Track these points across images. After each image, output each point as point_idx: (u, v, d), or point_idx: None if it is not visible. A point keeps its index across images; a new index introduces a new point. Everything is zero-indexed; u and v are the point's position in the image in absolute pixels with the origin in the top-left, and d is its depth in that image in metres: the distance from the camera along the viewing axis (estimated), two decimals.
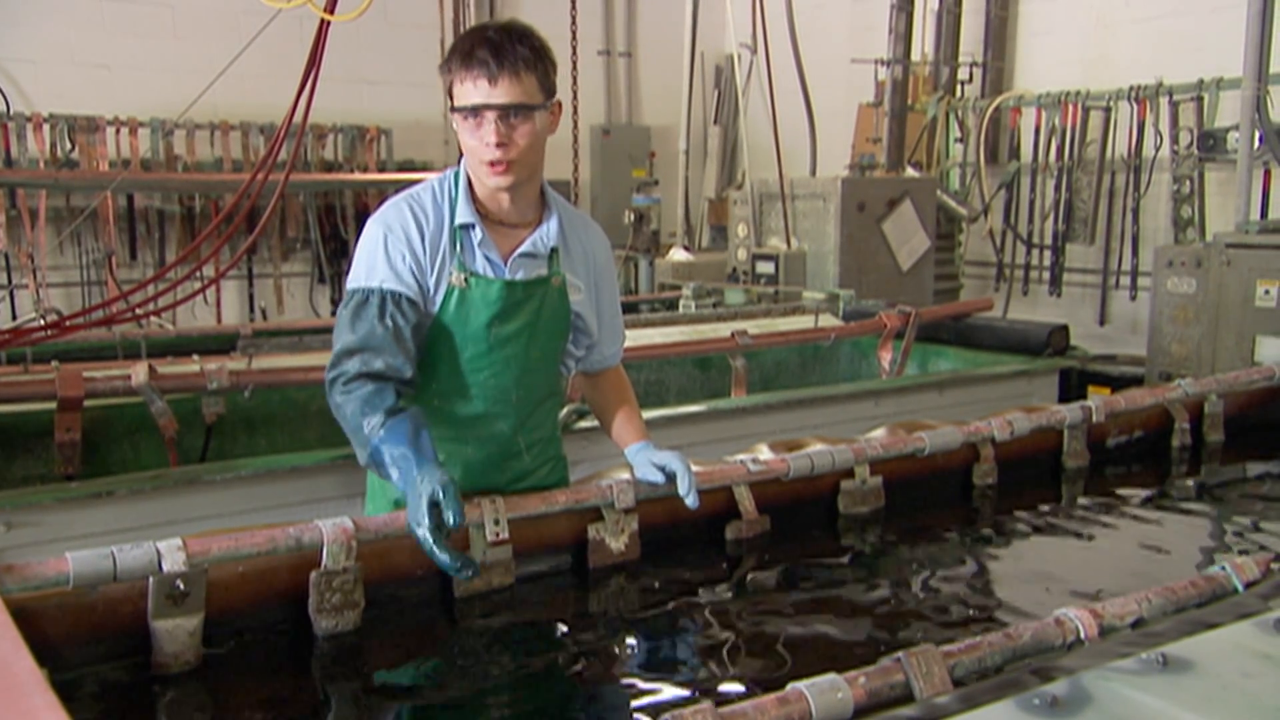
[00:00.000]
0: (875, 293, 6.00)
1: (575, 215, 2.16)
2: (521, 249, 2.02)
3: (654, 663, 1.67)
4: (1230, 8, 5.91)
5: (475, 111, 1.89)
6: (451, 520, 1.66)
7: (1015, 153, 7.55)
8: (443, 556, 1.65)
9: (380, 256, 1.95)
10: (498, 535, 1.79)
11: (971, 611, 1.92)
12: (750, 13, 7.34)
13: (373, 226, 2.00)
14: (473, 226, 1.99)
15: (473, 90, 1.88)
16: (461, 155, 2.02)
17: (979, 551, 2.22)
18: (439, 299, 1.97)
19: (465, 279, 1.97)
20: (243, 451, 3.47)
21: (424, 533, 1.65)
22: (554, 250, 2.06)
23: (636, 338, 4.48)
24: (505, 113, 1.88)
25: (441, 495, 1.67)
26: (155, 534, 1.53)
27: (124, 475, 2.88)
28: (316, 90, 3.46)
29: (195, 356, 3.52)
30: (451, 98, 1.93)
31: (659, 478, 1.97)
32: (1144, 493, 2.56)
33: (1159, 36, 6.78)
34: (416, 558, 1.71)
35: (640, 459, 2.03)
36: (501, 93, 1.87)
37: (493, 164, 1.91)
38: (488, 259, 2.00)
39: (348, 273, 2.06)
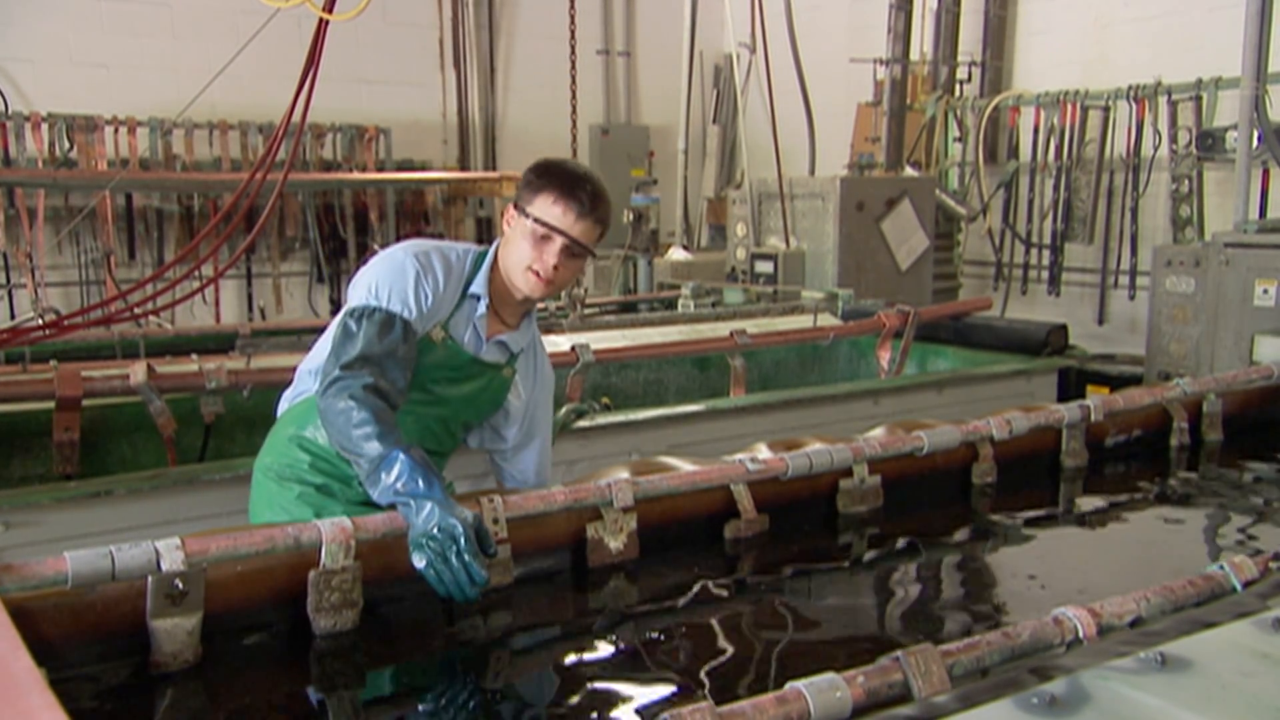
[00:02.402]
0: (874, 292, 6.00)
1: (541, 342, 2.46)
2: (501, 337, 2.29)
3: (653, 662, 1.67)
4: (1228, 7, 5.91)
5: (549, 233, 2.14)
6: (490, 550, 1.73)
7: (1014, 152, 7.55)
8: (482, 573, 1.67)
9: (410, 288, 2.12)
10: (496, 534, 1.79)
11: (970, 610, 1.92)
12: (749, 12, 7.34)
13: (407, 258, 2.16)
14: (480, 299, 2.22)
15: (560, 216, 2.15)
16: (490, 239, 2.24)
17: (977, 550, 2.22)
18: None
19: (444, 338, 2.20)
20: (241, 451, 3.46)
21: (463, 546, 1.66)
22: (519, 353, 2.34)
23: (635, 337, 4.49)
24: (572, 247, 2.17)
25: (481, 524, 1.73)
26: (154, 533, 1.53)
27: (122, 475, 2.88)
28: (315, 89, 3.46)
29: (194, 356, 3.52)
30: (527, 203, 2.17)
31: None
32: (1142, 492, 2.56)
33: (1158, 36, 6.78)
34: None
35: None
36: (580, 230, 2.16)
37: (538, 276, 2.17)
38: (476, 331, 2.23)
39: (352, 275, 2.24)
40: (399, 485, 1.75)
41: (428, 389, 2.22)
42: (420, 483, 1.74)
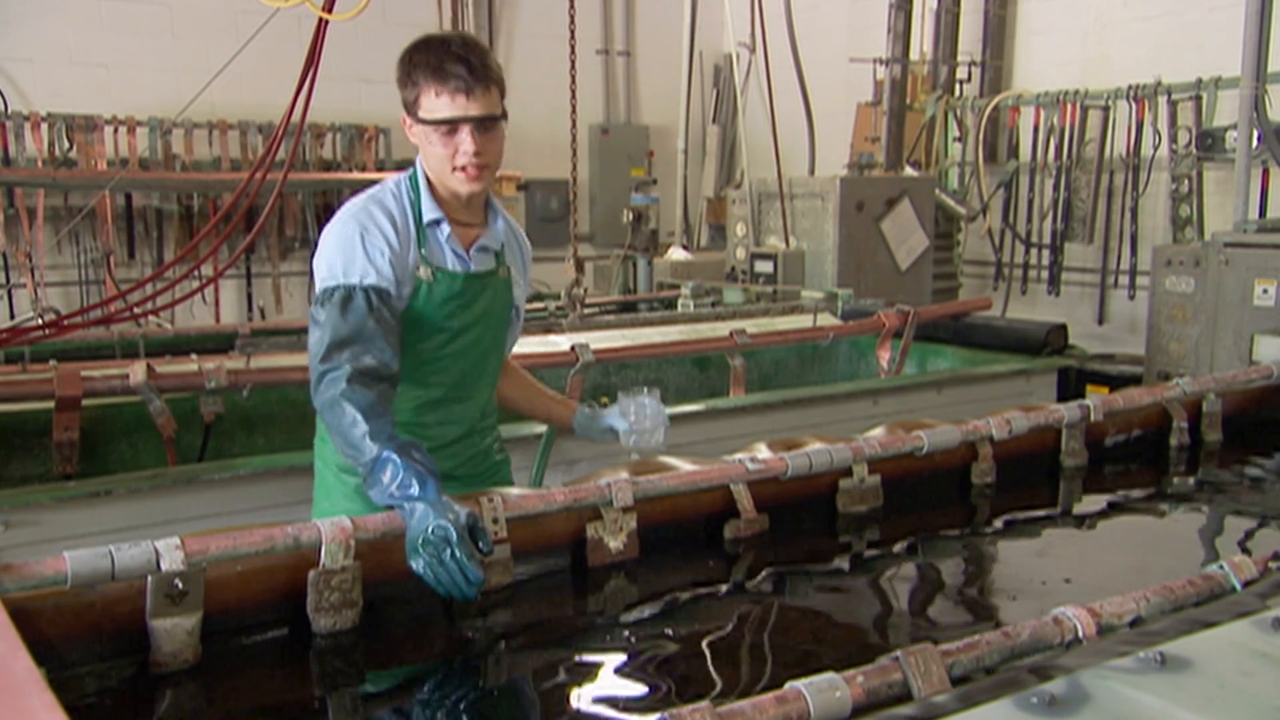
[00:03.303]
0: (873, 292, 6.00)
1: (510, 218, 2.33)
2: (480, 242, 2.19)
3: (652, 661, 1.67)
4: (1229, 6, 5.91)
5: (453, 124, 2.01)
6: (485, 548, 1.70)
7: (1014, 152, 7.55)
8: (477, 572, 1.65)
9: (359, 253, 2.04)
10: (496, 534, 1.79)
11: (969, 610, 1.92)
12: (749, 12, 7.35)
13: (345, 225, 2.08)
14: (440, 222, 2.13)
15: (449, 104, 2.00)
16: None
17: (977, 550, 2.22)
18: (406, 293, 2.09)
19: (432, 273, 2.11)
20: (241, 450, 3.47)
21: (456, 547, 1.64)
22: (502, 249, 2.25)
23: (635, 337, 4.49)
24: (481, 124, 2.02)
25: (477, 523, 1.70)
26: (153, 533, 1.53)
27: (122, 474, 2.88)
28: (315, 89, 3.46)
29: (193, 356, 3.52)
30: (415, 109, 2.05)
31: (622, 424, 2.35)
32: (1142, 491, 2.56)
33: (1157, 35, 6.78)
34: None
35: (588, 423, 2.41)
36: (477, 105, 2.01)
37: (467, 170, 2.05)
38: (455, 253, 2.15)
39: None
40: (393, 489, 1.74)
41: (447, 327, 2.15)
42: (414, 484, 1.72)
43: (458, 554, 1.64)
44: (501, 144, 2.09)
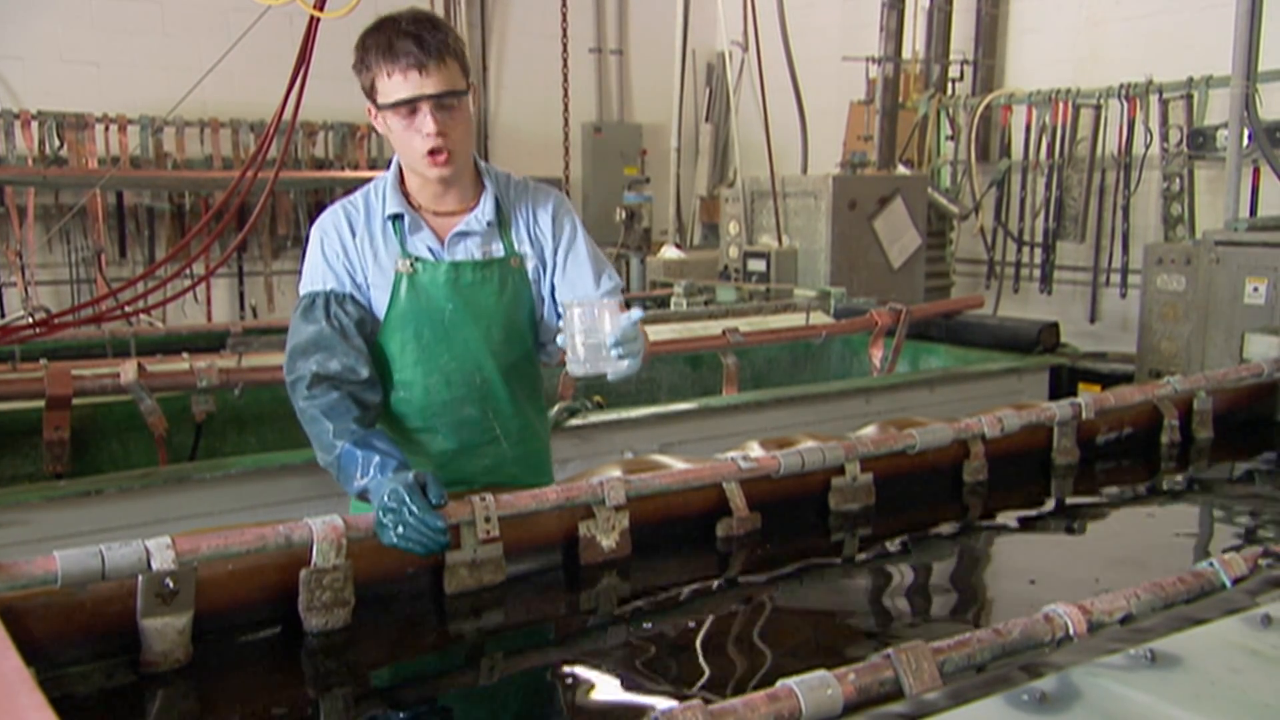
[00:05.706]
0: (866, 290, 6.01)
1: (518, 185, 2.15)
2: (456, 229, 2.05)
3: (645, 660, 1.67)
4: (1220, 6, 5.93)
5: (410, 105, 1.90)
6: (437, 500, 1.67)
7: (1006, 150, 7.57)
8: (436, 521, 1.65)
9: (319, 260, 2.03)
10: (488, 533, 1.78)
11: (961, 607, 1.93)
12: (741, 10, 7.35)
13: (313, 233, 2.07)
14: (401, 216, 2.03)
15: (403, 84, 1.88)
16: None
17: (969, 548, 2.23)
18: (385, 290, 2.02)
19: (411, 264, 2.02)
20: (232, 449, 3.46)
21: (410, 504, 1.64)
22: (494, 226, 2.08)
23: None
24: (440, 101, 1.90)
25: (429, 478, 1.70)
26: (144, 532, 1.52)
27: (113, 474, 2.88)
28: (306, 87, 3.46)
29: (185, 354, 3.51)
30: (374, 95, 1.94)
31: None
32: (1133, 489, 2.57)
33: (1149, 34, 6.80)
34: (406, 555, 1.70)
35: None
36: (434, 82, 1.89)
37: (434, 154, 1.93)
38: (426, 245, 2.04)
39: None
40: (359, 480, 1.78)
41: (436, 319, 2.02)
42: (372, 470, 1.76)
43: (414, 509, 1.65)
44: (467, 122, 1.98)
